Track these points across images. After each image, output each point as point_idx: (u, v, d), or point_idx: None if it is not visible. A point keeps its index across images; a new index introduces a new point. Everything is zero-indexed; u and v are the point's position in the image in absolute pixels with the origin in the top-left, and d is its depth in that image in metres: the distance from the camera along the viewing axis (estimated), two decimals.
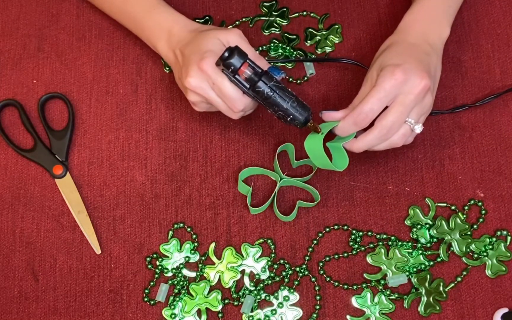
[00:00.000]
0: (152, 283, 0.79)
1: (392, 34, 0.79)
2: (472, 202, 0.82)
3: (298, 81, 0.87)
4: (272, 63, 0.79)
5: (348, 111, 0.73)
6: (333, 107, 0.86)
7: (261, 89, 0.72)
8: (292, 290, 0.79)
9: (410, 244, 0.80)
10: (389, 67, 0.72)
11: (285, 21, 0.90)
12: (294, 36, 0.89)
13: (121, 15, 0.84)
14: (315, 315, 0.78)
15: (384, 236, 0.80)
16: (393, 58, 0.74)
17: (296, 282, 0.79)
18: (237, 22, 0.90)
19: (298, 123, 0.74)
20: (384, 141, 0.74)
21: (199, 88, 0.74)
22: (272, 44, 0.89)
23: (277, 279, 0.79)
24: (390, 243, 0.80)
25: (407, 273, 0.79)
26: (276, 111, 0.73)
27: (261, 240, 0.81)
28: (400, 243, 0.80)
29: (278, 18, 0.90)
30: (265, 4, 0.91)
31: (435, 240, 0.80)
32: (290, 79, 0.87)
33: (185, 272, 0.80)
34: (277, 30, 0.90)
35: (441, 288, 0.78)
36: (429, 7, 0.79)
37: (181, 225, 0.81)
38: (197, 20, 0.89)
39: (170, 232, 0.81)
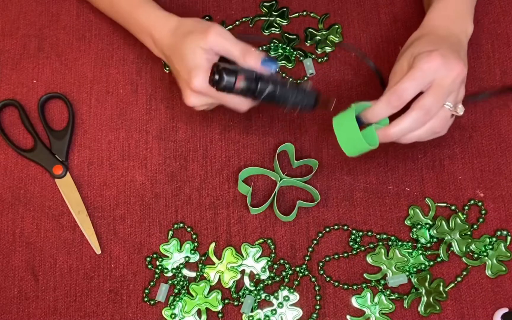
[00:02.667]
0: (152, 283, 0.79)
1: (417, 29, 0.77)
2: (472, 202, 0.82)
3: (298, 81, 0.87)
4: (264, 58, 0.75)
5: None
6: (333, 106, 0.86)
7: (261, 95, 0.71)
8: (292, 290, 0.79)
9: (410, 244, 0.80)
10: (425, 52, 0.70)
11: (285, 21, 0.90)
12: (294, 36, 0.89)
13: (112, 15, 0.85)
14: (315, 315, 0.78)
15: (384, 236, 0.80)
16: (427, 46, 0.71)
17: (296, 282, 0.79)
18: (237, 22, 0.90)
19: (309, 110, 0.73)
20: (422, 125, 0.70)
21: (199, 105, 0.74)
22: (272, 44, 0.88)
23: (277, 279, 0.79)
24: (390, 243, 0.80)
25: (407, 273, 0.79)
26: (283, 108, 0.73)
27: (261, 240, 0.81)
28: (400, 243, 0.80)
29: (278, 18, 0.90)
30: (265, 4, 0.91)
31: (435, 240, 0.80)
32: (290, 79, 0.87)
33: (185, 272, 0.80)
34: (277, 30, 0.90)
35: (441, 288, 0.78)
36: (453, 3, 0.77)
37: (181, 225, 0.81)
38: None
39: (170, 232, 0.81)
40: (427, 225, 0.81)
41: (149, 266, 0.80)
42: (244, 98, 0.73)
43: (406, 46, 0.76)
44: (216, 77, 0.70)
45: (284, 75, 0.87)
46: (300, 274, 0.79)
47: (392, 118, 0.71)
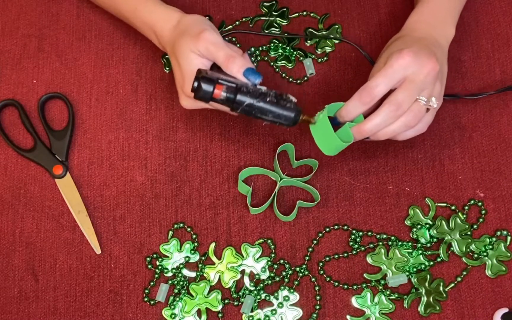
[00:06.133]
0: (152, 283, 0.79)
1: (396, 34, 0.79)
2: (472, 202, 0.82)
3: (298, 81, 0.87)
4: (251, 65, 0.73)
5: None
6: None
7: (239, 108, 0.70)
8: (292, 290, 0.79)
9: (410, 244, 0.80)
10: (397, 50, 0.71)
11: (285, 21, 0.90)
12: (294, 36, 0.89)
13: (115, 12, 0.85)
14: (315, 315, 0.78)
15: (384, 236, 0.80)
16: (401, 46, 0.73)
17: (296, 282, 0.79)
18: (237, 22, 0.90)
19: (287, 126, 0.72)
20: (394, 119, 0.70)
21: (194, 107, 0.76)
22: (272, 44, 0.88)
23: (277, 279, 0.79)
24: (390, 243, 0.80)
25: (407, 273, 0.79)
26: (262, 121, 0.72)
27: (261, 240, 0.81)
28: (400, 243, 0.80)
29: (278, 18, 0.90)
30: (265, 4, 0.91)
31: (435, 240, 0.80)
32: (290, 79, 0.87)
33: (185, 272, 0.80)
34: (277, 30, 0.90)
35: (441, 288, 0.78)
36: (435, 8, 0.79)
37: (181, 225, 0.81)
38: None
39: (170, 232, 0.81)
40: (427, 225, 0.81)
41: (149, 266, 0.80)
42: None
43: (385, 47, 0.77)
44: (195, 84, 0.70)
45: (283, 74, 0.87)
46: (300, 274, 0.79)
47: None
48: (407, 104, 0.70)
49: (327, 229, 0.81)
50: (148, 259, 0.80)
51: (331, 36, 0.88)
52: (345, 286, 0.79)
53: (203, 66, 0.72)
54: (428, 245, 0.80)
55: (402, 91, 0.70)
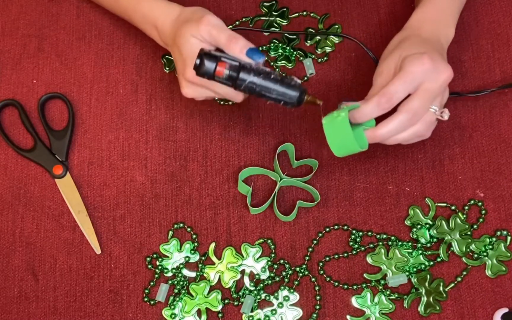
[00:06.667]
0: (152, 283, 0.79)
1: (401, 30, 0.78)
2: (472, 202, 0.82)
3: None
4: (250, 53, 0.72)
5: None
6: (334, 107, 0.85)
7: (242, 85, 0.69)
8: (292, 290, 0.79)
9: (410, 244, 0.80)
10: (415, 55, 0.70)
11: (285, 21, 0.90)
12: (294, 36, 0.89)
13: (115, 10, 0.84)
14: (315, 315, 0.78)
15: (384, 236, 0.80)
16: (414, 49, 0.72)
17: (296, 282, 0.79)
18: (237, 22, 0.90)
19: (292, 106, 0.71)
20: (408, 127, 0.70)
21: (196, 95, 0.74)
22: (272, 44, 0.89)
23: (277, 279, 0.79)
24: (390, 243, 0.80)
25: (407, 273, 0.79)
26: (266, 100, 0.71)
27: (261, 240, 0.81)
28: (400, 243, 0.80)
29: (278, 18, 0.90)
30: (265, 4, 0.91)
31: (435, 240, 0.80)
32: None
33: (185, 272, 0.80)
34: (277, 30, 0.90)
35: (441, 288, 0.78)
36: (439, 8, 0.78)
37: (181, 225, 0.81)
38: None
39: (170, 232, 0.81)
40: (427, 225, 0.81)
41: (149, 266, 0.80)
42: (235, 93, 0.72)
43: (392, 47, 0.76)
44: (197, 61, 0.69)
45: (283, 74, 0.87)
46: (300, 274, 0.79)
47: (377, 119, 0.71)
48: (422, 113, 0.70)
49: (327, 229, 0.81)
50: (148, 259, 0.80)
51: (332, 33, 0.88)
52: (345, 286, 0.79)
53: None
54: (428, 245, 0.80)
55: (418, 99, 0.69)
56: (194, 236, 0.81)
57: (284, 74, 0.71)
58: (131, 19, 0.82)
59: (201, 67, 0.69)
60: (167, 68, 0.88)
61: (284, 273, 0.79)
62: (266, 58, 0.70)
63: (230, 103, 0.86)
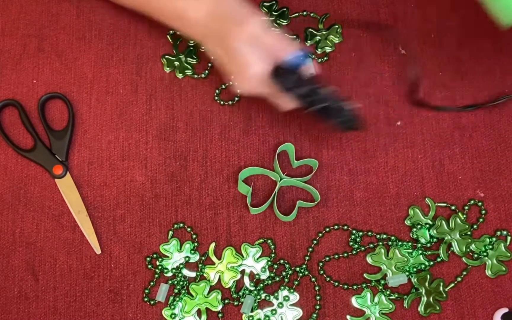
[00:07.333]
0: (152, 283, 0.79)
1: None
2: (472, 202, 0.82)
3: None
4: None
5: None
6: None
7: (312, 105, 0.75)
8: (292, 290, 0.79)
9: (410, 244, 0.80)
10: None
11: (285, 21, 0.90)
12: (294, 36, 0.89)
13: (135, 4, 0.82)
14: (315, 315, 0.78)
15: (384, 236, 0.80)
16: None
17: (296, 282, 0.79)
18: None
19: (344, 130, 0.79)
20: None
21: (252, 92, 0.76)
22: None
23: (277, 279, 0.79)
24: (390, 243, 0.80)
25: (407, 273, 0.79)
26: (328, 120, 0.76)
27: (261, 240, 0.81)
28: (400, 243, 0.80)
29: (278, 18, 0.90)
30: (265, 4, 0.91)
31: (435, 240, 0.80)
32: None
33: (185, 272, 0.80)
34: (277, 30, 0.90)
35: (441, 288, 0.78)
36: None
37: (181, 225, 0.81)
38: None
39: (170, 232, 0.81)
40: (427, 225, 0.81)
41: (149, 266, 0.80)
42: (291, 100, 0.75)
43: None
44: (277, 70, 0.72)
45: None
46: (300, 274, 0.79)
47: None
48: None
49: (327, 229, 0.81)
50: (148, 259, 0.80)
51: (333, 38, 0.88)
52: (345, 286, 0.79)
53: (255, 52, 0.73)
54: (428, 245, 0.80)
55: None
56: (194, 236, 0.81)
57: (347, 99, 0.77)
58: (154, 13, 0.80)
59: (279, 77, 0.72)
60: (167, 68, 0.88)
61: (284, 273, 0.79)
62: (312, 61, 0.76)
63: (230, 102, 0.86)
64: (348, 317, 0.78)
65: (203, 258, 0.80)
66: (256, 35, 0.73)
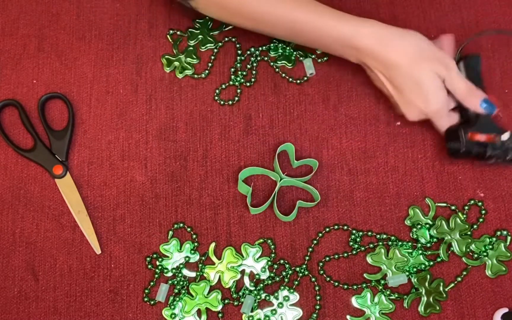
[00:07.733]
0: (152, 283, 0.79)
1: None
2: (472, 202, 0.82)
3: (298, 81, 0.87)
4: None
5: None
6: (333, 106, 0.86)
7: (489, 159, 0.79)
8: (292, 290, 0.79)
9: (410, 244, 0.80)
10: None
11: None
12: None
13: (291, 35, 0.81)
14: (315, 315, 0.78)
15: (384, 236, 0.80)
16: None
17: (296, 282, 0.79)
18: None
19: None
20: None
21: (421, 119, 0.80)
22: (272, 44, 0.88)
23: (277, 279, 0.79)
24: (390, 243, 0.80)
25: (407, 273, 0.79)
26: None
27: (261, 240, 0.81)
28: (400, 243, 0.80)
29: None
30: None
31: (435, 240, 0.80)
32: (290, 79, 0.87)
33: (185, 272, 0.80)
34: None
35: (441, 288, 0.78)
36: None
37: (181, 225, 0.81)
38: (197, 21, 0.89)
39: (170, 232, 0.81)
40: (427, 225, 0.81)
41: (149, 266, 0.80)
42: (453, 118, 0.80)
43: None
44: (458, 141, 0.78)
45: (283, 74, 0.87)
46: (300, 274, 0.79)
47: None
48: None
49: (327, 229, 0.81)
50: (148, 259, 0.80)
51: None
52: (345, 286, 0.79)
53: (440, 88, 0.76)
54: (428, 245, 0.80)
55: None
56: (194, 236, 0.81)
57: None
58: (314, 41, 0.80)
59: (458, 144, 0.78)
60: (167, 68, 0.88)
61: (284, 273, 0.79)
62: (496, 109, 0.79)
63: (230, 102, 0.86)
64: (348, 317, 0.78)
65: (203, 258, 0.80)
66: (451, 78, 0.76)
